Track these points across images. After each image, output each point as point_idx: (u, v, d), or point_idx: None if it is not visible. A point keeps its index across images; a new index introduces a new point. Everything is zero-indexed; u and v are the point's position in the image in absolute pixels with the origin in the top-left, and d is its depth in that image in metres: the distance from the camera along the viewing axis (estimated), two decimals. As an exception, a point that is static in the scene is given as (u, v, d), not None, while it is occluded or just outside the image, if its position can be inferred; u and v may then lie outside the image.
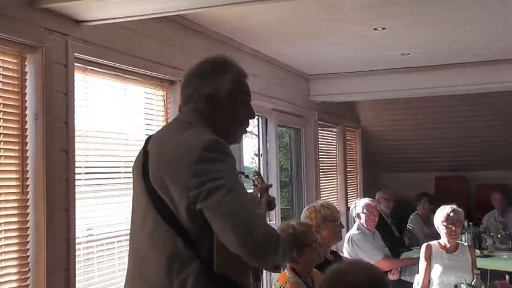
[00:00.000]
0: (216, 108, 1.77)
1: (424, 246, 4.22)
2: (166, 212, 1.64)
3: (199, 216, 1.59)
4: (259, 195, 2.11)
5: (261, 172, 5.15)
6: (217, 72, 1.80)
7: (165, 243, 1.65)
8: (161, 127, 1.99)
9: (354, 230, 4.87)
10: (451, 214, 4.10)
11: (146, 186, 1.69)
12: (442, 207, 4.23)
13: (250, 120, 1.90)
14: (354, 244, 4.72)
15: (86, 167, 3.00)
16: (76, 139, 2.87)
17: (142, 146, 1.81)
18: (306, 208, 3.64)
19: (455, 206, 4.18)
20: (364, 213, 4.91)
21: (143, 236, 1.71)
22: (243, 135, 1.92)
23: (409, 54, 5.09)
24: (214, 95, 1.77)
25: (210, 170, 1.59)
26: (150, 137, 1.82)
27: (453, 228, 4.09)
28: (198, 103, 1.77)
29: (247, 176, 2.27)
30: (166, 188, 1.64)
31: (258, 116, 5.33)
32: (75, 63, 2.86)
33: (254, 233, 1.55)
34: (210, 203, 1.56)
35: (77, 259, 2.85)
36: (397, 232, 6.06)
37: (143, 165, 1.73)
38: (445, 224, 4.11)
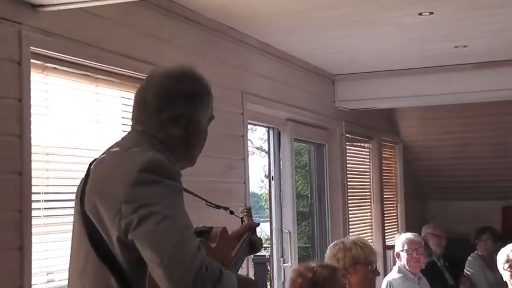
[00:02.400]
0: (196, 136, 2.00)
1: (485, 296, 4.22)
2: (98, 243, 1.80)
3: (134, 250, 1.73)
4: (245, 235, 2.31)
5: (252, 208, 5.14)
6: (205, 95, 2.02)
7: (95, 279, 1.81)
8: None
9: (393, 274, 4.86)
10: None
11: (82, 212, 1.85)
12: (508, 245, 4.21)
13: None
14: None
15: (46, 193, 2.99)
16: (33, 157, 2.86)
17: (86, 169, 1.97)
18: (332, 243, 3.64)
19: None
20: (405, 251, 4.89)
21: (76, 270, 1.88)
22: None
23: (465, 46, 5.08)
24: (201, 122, 2.00)
25: (146, 194, 1.74)
26: (95, 159, 1.98)
27: None
28: (183, 131, 1.96)
29: (232, 212, 2.42)
30: (98, 214, 1.80)
31: (269, 128, 5.34)
32: (31, 60, 2.86)
33: (186, 267, 1.66)
34: (141, 231, 1.70)
35: (34, 313, 2.82)
36: (450, 279, 6.04)
37: (82, 190, 1.89)
38: (505, 267, 4.09)
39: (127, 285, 1.78)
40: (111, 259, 1.78)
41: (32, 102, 2.86)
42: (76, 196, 1.93)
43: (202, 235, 2.05)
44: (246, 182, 4.49)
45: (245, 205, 4.38)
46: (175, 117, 1.94)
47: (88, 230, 1.82)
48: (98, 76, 3.34)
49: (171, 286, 1.66)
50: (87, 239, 1.82)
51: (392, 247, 6.12)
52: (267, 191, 5.48)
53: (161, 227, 1.69)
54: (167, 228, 1.69)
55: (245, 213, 2.44)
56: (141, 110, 1.96)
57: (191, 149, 2.02)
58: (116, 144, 1.98)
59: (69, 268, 1.96)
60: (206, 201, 2.36)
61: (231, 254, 2.19)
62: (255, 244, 2.35)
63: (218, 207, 2.40)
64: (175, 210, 1.74)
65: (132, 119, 2.00)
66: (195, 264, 1.67)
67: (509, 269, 4.09)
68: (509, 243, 4.29)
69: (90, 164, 1.95)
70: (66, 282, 2.99)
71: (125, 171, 1.78)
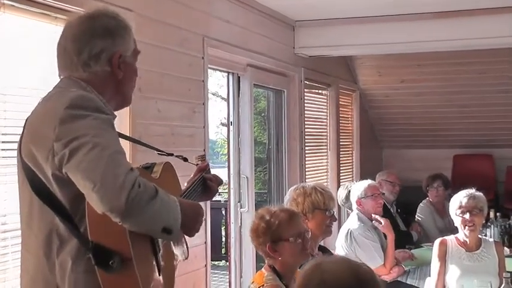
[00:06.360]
0: (124, 70, 2.05)
1: (437, 242, 4.23)
2: (38, 186, 1.87)
3: (70, 184, 1.79)
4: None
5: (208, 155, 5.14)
6: (122, 29, 2.06)
7: (41, 222, 1.88)
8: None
9: (354, 223, 4.82)
10: (465, 200, 4.13)
11: (21, 160, 1.93)
12: (461, 192, 4.25)
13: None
14: (354, 240, 4.69)
15: (1, 134, 2.94)
16: (-11, 97, 2.79)
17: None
18: (293, 187, 3.67)
19: (472, 190, 4.20)
20: (368, 197, 4.89)
21: (24, 215, 1.96)
22: None
23: (425, -5, 5.10)
24: (124, 56, 2.05)
25: (75, 129, 1.80)
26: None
27: (468, 217, 4.09)
28: (106, 66, 2.01)
29: (185, 160, 2.45)
30: (33, 157, 1.87)
31: (229, 73, 5.31)
32: (-13, -4, 2.77)
33: (118, 186, 1.71)
34: (72, 163, 1.76)
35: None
36: (402, 225, 6.11)
37: (20, 141, 1.96)
38: (457, 213, 4.13)
39: (70, 221, 1.83)
40: (52, 199, 1.85)
41: (-12, 40, 2.77)
42: (17, 148, 1.99)
43: (145, 170, 2.10)
44: (205, 127, 4.47)
45: (204, 150, 4.39)
46: (96, 54, 2.00)
47: (28, 176, 1.90)
48: (57, 15, 3.24)
49: (105, 207, 1.71)
50: (28, 184, 1.90)
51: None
52: (223, 137, 5.46)
53: (91, 155, 1.74)
54: (97, 155, 1.74)
55: (199, 159, 2.49)
56: (63, 58, 2.03)
57: (121, 86, 2.06)
58: (47, 95, 2.03)
59: (20, 217, 2.02)
60: (158, 150, 2.38)
61: (179, 189, 2.23)
62: (209, 181, 2.42)
63: (170, 154, 2.40)
64: (105, 139, 1.79)
65: (58, 68, 2.06)
66: (127, 182, 1.72)
67: (461, 215, 4.12)
68: (459, 190, 4.31)
69: (27, 119, 2.00)
70: (19, 225, 3.03)
71: (53, 112, 1.84)
